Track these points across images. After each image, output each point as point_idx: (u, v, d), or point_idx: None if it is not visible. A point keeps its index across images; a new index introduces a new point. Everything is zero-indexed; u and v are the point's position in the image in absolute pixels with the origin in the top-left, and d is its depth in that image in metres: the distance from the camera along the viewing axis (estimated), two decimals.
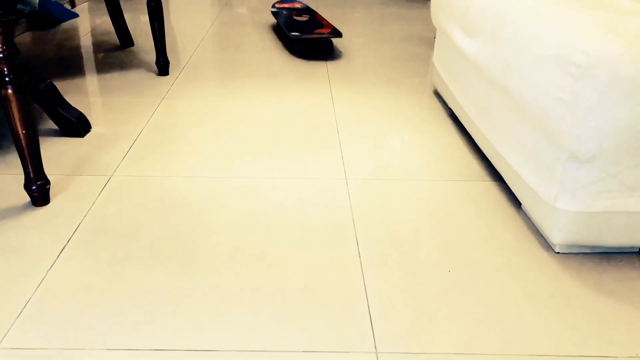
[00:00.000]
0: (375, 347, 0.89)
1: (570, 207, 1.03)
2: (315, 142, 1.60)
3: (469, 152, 1.55)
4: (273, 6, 2.88)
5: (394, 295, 1.00)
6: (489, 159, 1.38)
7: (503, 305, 0.98)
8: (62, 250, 1.11)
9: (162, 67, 2.10)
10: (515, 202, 1.30)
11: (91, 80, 2.07)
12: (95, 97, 1.91)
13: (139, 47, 2.47)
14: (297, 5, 2.89)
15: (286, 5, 2.89)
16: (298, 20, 2.52)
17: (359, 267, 1.07)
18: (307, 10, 2.80)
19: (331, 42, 2.43)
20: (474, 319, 0.95)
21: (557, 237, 1.08)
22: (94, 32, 2.70)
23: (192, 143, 1.58)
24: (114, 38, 2.59)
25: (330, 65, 2.28)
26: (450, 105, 1.69)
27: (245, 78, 2.12)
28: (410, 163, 1.49)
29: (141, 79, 2.07)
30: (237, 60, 2.34)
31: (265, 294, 1.00)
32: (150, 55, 2.34)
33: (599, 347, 0.90)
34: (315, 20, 2.56)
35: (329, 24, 2.50)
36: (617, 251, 1.12)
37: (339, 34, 2.32)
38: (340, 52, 2.42)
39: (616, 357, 0.88)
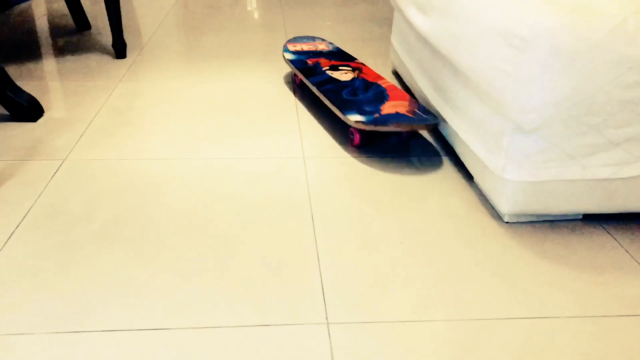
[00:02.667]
0: (326, 317, 0.90)
1: (517, 177, 1.06)
2: (275, 122, 1.59)
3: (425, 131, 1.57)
4: (285, 49, 1.87)
5: (346, 268, 1.01)
6: (443, 134, 1.40)
7: (453, 273, 1.01)
8: (10, 235, 1.08)
9: (119, 50, 2.05)
10: (468, 176, 1.33)
11: (46, 64, 2.01)
12: (50, 81, 1.86)
13: (95, 30, 2.40)
14: (322, 46, 1.89)
15: (305, 47, 1.87)
16: (341, 82, 1.55)
17: (314, 242, 1.08)
18: (339, 54, 1.81)
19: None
20: (425, 288, 0.97)
21: (505, 207, 1.11)
22: (49, 15, 2.61)
23: (149, 125, 1.55)
24: (70, 21, 2.51)
25: None
26: (408, 83, 1.70)
27: (204, 60, 2.09)
28: None
29: (97, 63, 2.02)
30: (197, 41, 2.30)
31: (220, 271, 1.00)
32: (108, 38, 2.29)
33: (542, 308, 0.93)
34: (366, 80, 1.58)
35: (398, 90, 1.50)
36: (562, 219, 1.16)
37: (433, 120, 1.35)
38: (434, 145, 1.47)
39: (558, 317, 0.92)
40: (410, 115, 1.35)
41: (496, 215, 1.18)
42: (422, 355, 0.84)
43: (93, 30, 2.41)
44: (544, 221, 1.16)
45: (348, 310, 0.92)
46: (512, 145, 1.06)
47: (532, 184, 1.06)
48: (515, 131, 1.05)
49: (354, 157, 1.41)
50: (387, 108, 1.39)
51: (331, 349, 0.84)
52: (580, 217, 1.16)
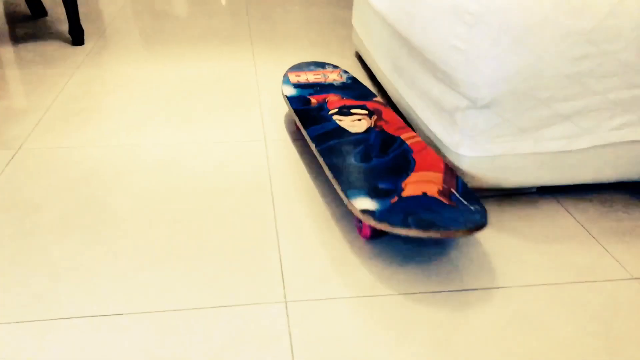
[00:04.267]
0: (284, 296, 0.91)
1: (472, 152, 1.08)
2: (236, 106, 1.58)
3: None
4: (286, 80, 1.44)
5: (305, 249, 1.02)
6: (404, 114, 1.41)
7: (410, 248, 1.02)
8: None
9: (76, 36, 2.00)
10: None
11: (0, 52, 1.95)
12: (3, 69, 1.80)
13: (52, 17, 2.33)
14: (333, 76, 1.45)
15: (312, 78, 1.44)
16: (352, 136, 1.14)
17: (274, 224, 1.09)
18: (354, 88, 1.39)
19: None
20: (381, 264, 0.98)
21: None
22: (3, 2, 2.52)
23: (108, 112, 1.52)
24: (25, 8, 2.43)
25: (254, 29, 2.24)
26: (369, 65, 1.71)
27: (165, 45, 2.05)
28: None
29: (54, 50, 1.97)
30: (158, 26, 2.25)
31: (179, 255, 1.00)
32: (65, 25, 2.22)
33: (493, 280, 0.96)
34: (385, 132, 1.16)
35: (427, 150, 1.11)
36: (517, 192, 1.18)
37: (480, 218, 0.91)
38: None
39: (510, 286, 0.94)
40: (444, 200, 0.94)
41: None
42: (377, 327, 0.85)
43: (49, 17, 2.34)
44: (500, 195, 1.18)
45: (306, 289, 0.92)
46: (466, 122, 1.07)
47: (487, 158, 1.08)
48: (469, 107, 1.06)
49: None
50: (412, 185, 0.97)
51: (289, 325, 0.85)
52: (535, 190, 1.19)
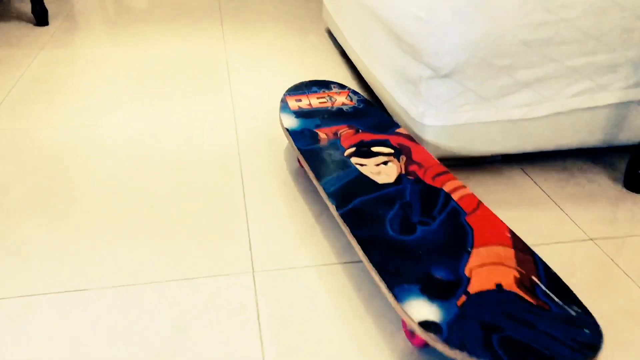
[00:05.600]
0: (252, 267, 0.92)
1: (435, 122, 1.09)
2: (206, 84, 1.57)
3: (356, 86, 1.58)
4: (284, 107, 1.18)
5: (273, 222, 1.03)
6: (372, 88, 1.42)
7: None
8: None
9: (40, 16, 1.95)
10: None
11: None
12: None
13: None
14: (341, 99, 1.19)
15: (315, 102, 1.17)
16: (381, 190, 0.87)
17: (242, 198, 1.09)
18: (368, 114, 1.14)
19: None
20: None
21: (428, 151, 1.14)
22: None
23: (73, 93, 1.50)
24: None
25: (224, 6, 2.21)
26: (340, 41, 1.70)
27: (134, 25, 2.01)
28: None
29: (16, 30, 1.92)
30: (125, 6, 2.21)
31: (146, 232, 1.00)
32: (27, 5, 2.16)
33: None
34: (422, 181, 0.89)
35: (482, 208, 0.85)
36: (483, 160, 1.21)
37: (595, 341, 0.60)
38: None
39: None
40: (529, 297, 0.66)
41: None
42: (343, 294, 0.87)
43: None
44: (465, 164, 1.20)
45: (273, 260, 0.94)
46: (429, 91, 1.08)
47: (451, 127, 1.10)
48: (432, 77, 1.07)
49: None
50: (479, 272, 0.70)
51: (256, 294, 0.86)
52: (500, 158, 1.21)
